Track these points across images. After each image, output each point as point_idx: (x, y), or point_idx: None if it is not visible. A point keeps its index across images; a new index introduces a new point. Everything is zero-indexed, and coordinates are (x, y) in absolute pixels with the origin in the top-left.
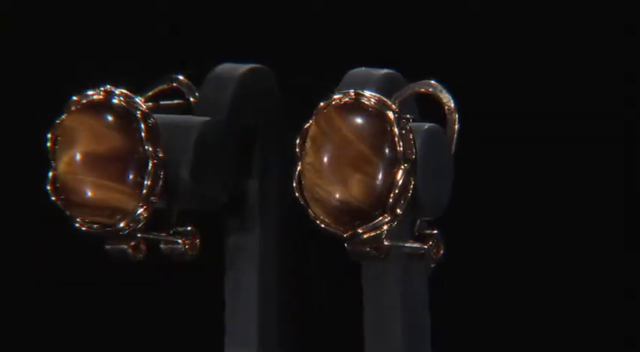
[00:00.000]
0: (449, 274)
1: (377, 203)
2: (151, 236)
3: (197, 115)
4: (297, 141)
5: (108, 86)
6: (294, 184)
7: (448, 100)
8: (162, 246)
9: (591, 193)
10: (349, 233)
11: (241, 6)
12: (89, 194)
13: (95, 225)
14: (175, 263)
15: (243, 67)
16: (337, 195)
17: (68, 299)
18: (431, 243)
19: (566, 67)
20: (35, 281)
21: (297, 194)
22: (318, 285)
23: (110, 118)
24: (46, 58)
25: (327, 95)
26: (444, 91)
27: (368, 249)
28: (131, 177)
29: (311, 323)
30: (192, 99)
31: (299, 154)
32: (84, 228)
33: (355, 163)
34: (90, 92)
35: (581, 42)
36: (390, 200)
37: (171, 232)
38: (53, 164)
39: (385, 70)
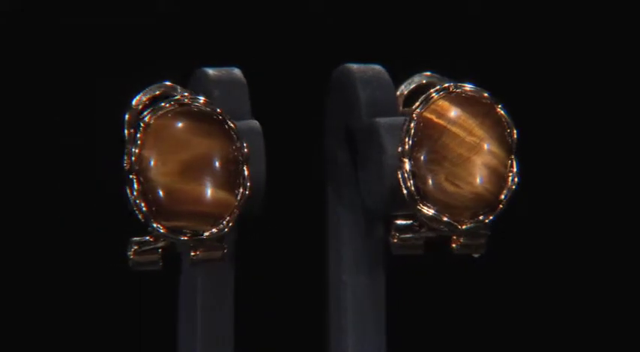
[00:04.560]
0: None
1: (501, 194)
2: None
3: None
4: (403, 136)
5: (186, 92)
6: (404, 176)
7: None
8: (199, 253)
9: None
10: (467, 225)
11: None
12: (192, 202)
13: (185, 235)
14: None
15: (235, 69)
16: (471, 188)
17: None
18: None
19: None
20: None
21: (411, 188)
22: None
23: (202, 123)
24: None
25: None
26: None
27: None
28: (232, 182)
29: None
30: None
31: (403, 151)
32: (171, 238)
33: (484, 156)
34: (168, 99)
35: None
36: (509, 191)
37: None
38: (136, 176)
39: (378, 65)
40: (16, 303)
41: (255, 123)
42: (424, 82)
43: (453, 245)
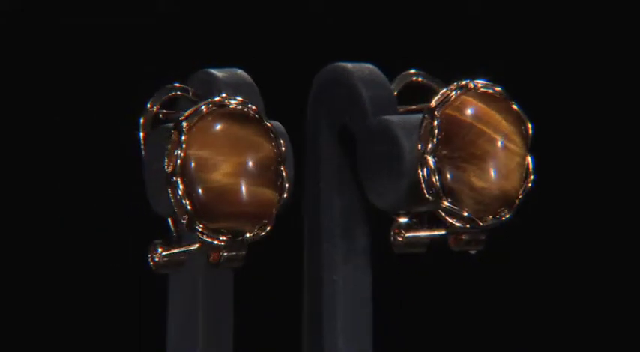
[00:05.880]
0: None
1: (520, 191)
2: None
3: None
4: (424, 134)
5: (224, 94)
6: (428, 173)
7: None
8: (224, 253)
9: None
10: (486, 223)
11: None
12: (237, 203)
13: (225, 235)
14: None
15: (239, 70)
16: (499, 185)
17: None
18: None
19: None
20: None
21: (436, 184)
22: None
23: (242, 124)
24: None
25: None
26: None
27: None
28: (274, 182)
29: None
30: None
31: (426, 149)
32: (214, 241)
33: (509, 152)
34: (208, 101)
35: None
36: (526, 188)
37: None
38: (181, 178)
39: (370, 64)
40: (15, 303)
41: (278, 124)
42: (420, 80)
43: (453, 242)
